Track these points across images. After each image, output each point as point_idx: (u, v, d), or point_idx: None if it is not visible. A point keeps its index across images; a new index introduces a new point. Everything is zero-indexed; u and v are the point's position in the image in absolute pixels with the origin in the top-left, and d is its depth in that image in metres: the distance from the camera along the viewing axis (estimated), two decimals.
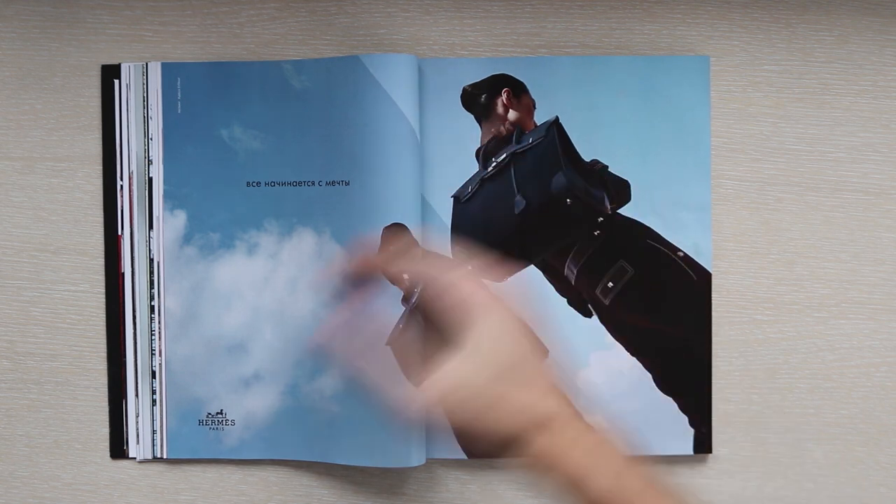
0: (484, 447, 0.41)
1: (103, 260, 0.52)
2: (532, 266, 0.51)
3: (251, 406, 0.52)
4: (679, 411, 0.51)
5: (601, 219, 0.51)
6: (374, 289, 0.47)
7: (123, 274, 0.52)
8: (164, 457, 0.52)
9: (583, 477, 0.38)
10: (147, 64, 0.52)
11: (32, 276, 0.52)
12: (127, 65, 0.52)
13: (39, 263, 0.52)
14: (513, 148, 0.51)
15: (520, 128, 0.51)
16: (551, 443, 0.39)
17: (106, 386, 0.52)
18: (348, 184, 0.50)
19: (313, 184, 0.51)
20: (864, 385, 0.52)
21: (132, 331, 0.52)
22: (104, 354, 0.52)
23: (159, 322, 0.52)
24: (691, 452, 0.51)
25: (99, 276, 0.52)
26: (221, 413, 0.52)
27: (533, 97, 0.51)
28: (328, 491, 0.52)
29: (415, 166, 0.50)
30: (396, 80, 0.49)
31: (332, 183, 0.50)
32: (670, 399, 0.51)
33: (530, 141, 0.51)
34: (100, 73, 0.52)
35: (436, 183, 0.51)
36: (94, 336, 0.52)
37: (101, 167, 0.52)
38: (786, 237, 0.52)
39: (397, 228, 0.49)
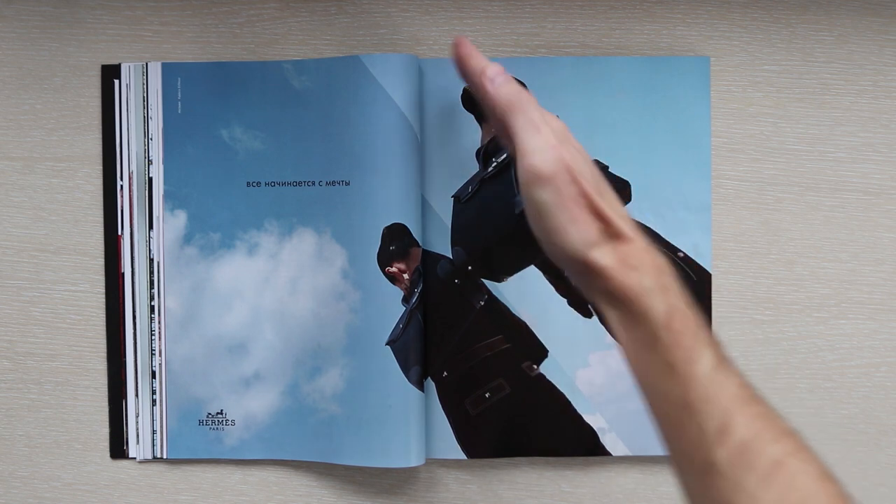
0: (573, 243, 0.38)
1: (103, 260, 0.52)
2: (532, 266, 0.51)
3: (251, 406, 0.52)
4: None
5: None
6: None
7: (123, 274, 0.52)
8: (164, 457, 0.52)
9: (649, 299, 0.36)
10: (147, 64, 0.52)
11: (32, 276, 0.52)
12: (127, 65, 0.52)
13: (39, 263, 0.52)
14: None
15: None
16: (627, 255, 0.37)
17: (106, 386, 0.52)
18: (348, 184, 0.50)
19: (313, 184, 0.51)
20: (864, 385, 0.52)
21: (132, 331, 0.52)
22: (104, 354, 0.52)
23: (159, 322, 0.52)
24: None
25: (99, 276, 0.52)
26: (221, 413, 0.52)
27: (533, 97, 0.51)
28: (328, 491, 0.52)
29: (415, 166, 0.50)
30: (396, 80, 0.49)
31: (332, 183, 0.50)
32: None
33: None
34: (100, 73, 0.52)
35: (436, 183, 0.51)
36: (94, 336, 0.52)
37: (101, 167, 0.52)
38: (786, 237, 0.52)
39: (397, 228, 0.49)
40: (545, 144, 0.38)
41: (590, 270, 0.37)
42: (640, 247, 0.37)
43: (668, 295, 0.36)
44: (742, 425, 0.33)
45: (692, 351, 0.35)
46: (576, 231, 0.37)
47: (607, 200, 0.38)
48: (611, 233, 0.37)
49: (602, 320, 0.37)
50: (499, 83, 0.41)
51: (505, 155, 0.51)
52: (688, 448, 0.34)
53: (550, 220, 0.38)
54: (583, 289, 0.39)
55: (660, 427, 0.37)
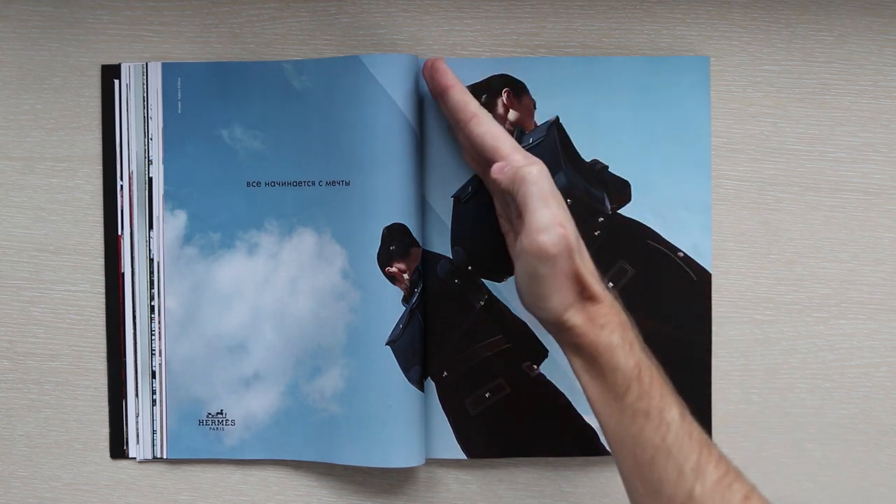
0: (552, 306, 0.42)
1: (103, 260, 0.52)
2: None
3: (251, 406, 0.52)
4: None
5: (601, 219, 0.51)
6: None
7: (123, 274, 0.52)
8: (164, 457, 0.52)
9: (614, 354, 0.40)
10: (147, 64, 0.52)
11: (32, 276, 0.52)
12: (127, 65, 0.52)
13: (39, 263, 0.52)
14: None
15: (520, 128, 0.51)
16: (596, 315, 0.41)
17: (106, 386, 0.52)
18: (348, 184, 0.50)
19: (313, 184, 0.51)
20: (864, 385, 0.52)
21: (132, 331, 0.52)
22: (104, 354, 0.52)
23: (159, 322, 0.52)
24: None
25: (99, 276, 0.52)
26: (221, 413, 0.52)
27: (533, 97, 0.51)
28: (328, 491, 0.52)
29: (415, 166, 0.50)
30: (396, 80, 0.49)
31: (332, 183, 0.50)
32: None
33: (531, 141, 0.51)
34: (100, 73, 0.52)
35: (436, 183, 0.51)
36: (94, 336, 0.52)
37: (101, 167, 0.52)
38: (786, 237, 0.52)
39: (397, 228, 0.49)
40: (553, 221, 0.40)
41: (564, 329, 0.41)
42: (608, 305, 0.41)
43: (634, 349, 0.41)
44: (713, 465, 0.38)
45: (663, 400, 0.40)
46: (558, 297, 0.41)
47: (585, 262, 0.42)
48: (585, 295, 0.41)
49: (574, 371, 0.42)
50: (506, 171, 0.43)
51: None
52: (666, 484, 0.39)
53: (540, 289, 0.41)
54: (558, 342, 0.43)
55: (630, 466, 0.40)
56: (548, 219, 0.40)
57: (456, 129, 0.48)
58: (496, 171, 0.43)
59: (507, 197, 0.44)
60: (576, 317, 0.41)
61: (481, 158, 0.45)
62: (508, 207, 0.46)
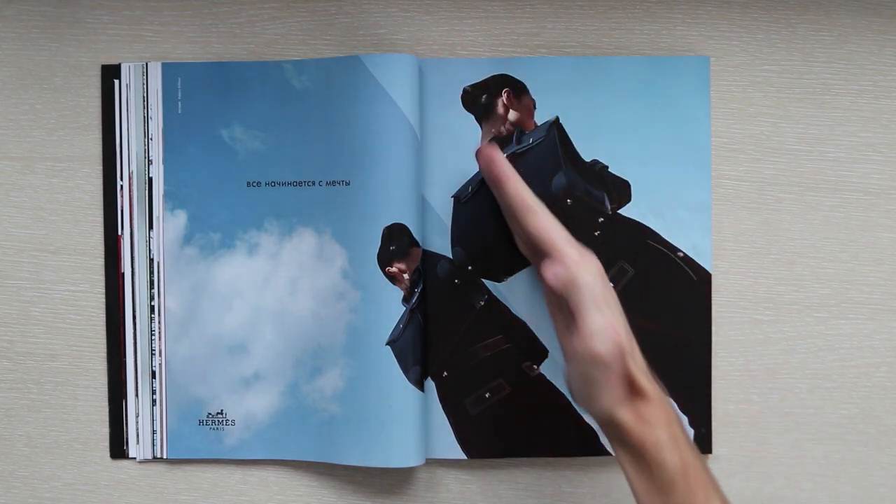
0: (602, 405, 0.42)
1: (103, 260, 0.52)
2: (532, 266, 0.51)
3: (251, 406, 0.52)
4: (679, 411, 0.51)
5: (601, 219, 0.51)
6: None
7: (123, 274, 0.52)
8: (164, 457, 0.52)
9: (661, 452, 0.41)
10: (147, 64, 0.52)
11: (32, 276, 0.52)
12: (127, 65, 0.52)
13: (39, 263, 0.52)
14: (513, 148, 0.51)
15: (520, 128, 0.51)
16: (644, 412, 0.41)
17: (106, 386, 0.52)
18: (348, 184, 0.50)
19: (313, 184, 0.51)
20: (864, 385, 0.52)
21: (132, 331, 0.52)
22: (104, 354, 0.52)
23: (159, 322, 0.52)
24: None
25: (99, 276, 0.52)
26: (221, 413, 0.52)
27: (533, 97, 0.51)
28: (328, 491, 0.52)
29: (415, 166, 0.50)
30: (396, 80, 0.49)
31: (332, 183, 0.50)
32: (670, 399, 0.51)
33: (531, 141, 0.51)
34: (100, 73, 0.52)
35: (436, 183, 0.51)
36: (94, 336, 0.52)
37: (101, 167, 0.52)
38: (786, 237, 0.52)
39: (397, 228, 0.49)
40: (606, 326, 0.41)
41: (613, 425, 0.42)
42: (656, 402, 0.42)
43: (681, 446, 0.41)
44: None
45: (708, 499, 0.41)
46: (609, 396, 0.42)
47: (637, 361, 0.42)
48: (634, 392, 0.42)
49: (619, 462, 0.43)
50: (558, 272, 0.43)
51: (505, 155, 0.51)
52: None
53: (593, 390, 0.42)
54: (605, 434, 0.44)
55: None
56: (601, 324, 0.41)
57: (510, 218, 0.48)
58: (550, 276, 0.43)
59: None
60: (625, 414, 0.41)
61: (535, 248, 0.46)
62: (560, 303, 0.45)
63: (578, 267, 0.42)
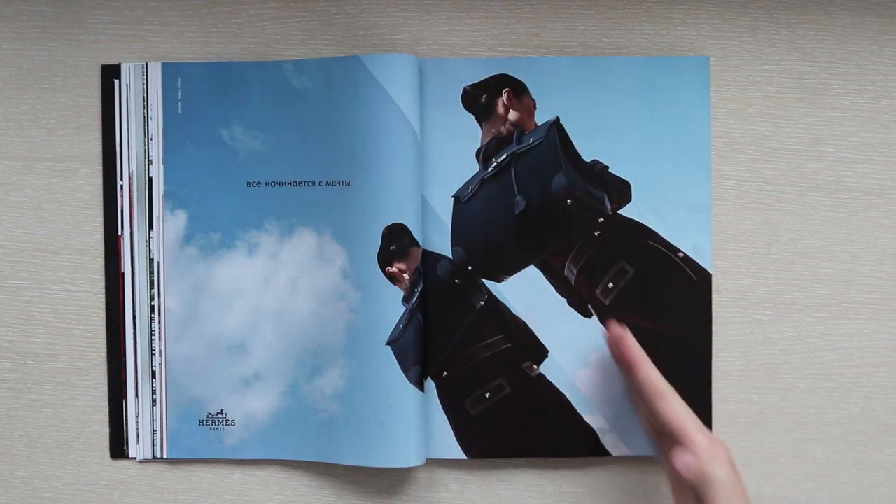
0: None
1: (103, 260, 0.52)
2: (532, 266, 0.51)
3: (251, 406, 0.52)
4: None
5: (602, 219, 0.51)
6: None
7: (123, 274, 0.52)
8: (164, 457, 0.52)
9: None
10: (147, 64, 0.52)
11: (32, 276, 0.52)
12: (127, 65, 0.52)
13: (39, 263, 0.52)
14: (513, 148, 0.51)
15: (520, 128, 0.51)
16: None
17: (106, 386, 0.52)
18: (348, 184, 0.50)
19: (313, 184, 0.51)
20: (864, 385, 0.52)
21: (132, 331, 0.52)
22: (104, 354, 0.52)
23: (159, 322, 0.52)
24: None
25: (99, 276, 0.52)
26: (221, 413, 0.52)
27: (533, 97, 0.51)
28: (328, 491, 0.52)
29: (415, 166, 0.50)
30: (396, 80, 0.49)
31: (332, 183, 0.50)
32: None
33: (531, 141, 0.51)
34: (100, 73, 0.52)
35: (436, 183, 0.51)
36: (94, 336, 0.52)
37: (101, 167, 0.52)
38: (786, 237, 0.52)
39: (397, 228, 0.49)
40: None
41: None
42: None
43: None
44: None
45: None
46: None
47: None
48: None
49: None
50: (689, 462, 0.44)
51: (505, 155, 0.51)
52: None
53: None
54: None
55: None
56: None
57: (637, 400, 0.49)
58: (681, 466, 0.43)
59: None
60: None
61: (663, 431, 0.46)
62: (683, 486, 0.45)
63: (711, 460, 0.42)
